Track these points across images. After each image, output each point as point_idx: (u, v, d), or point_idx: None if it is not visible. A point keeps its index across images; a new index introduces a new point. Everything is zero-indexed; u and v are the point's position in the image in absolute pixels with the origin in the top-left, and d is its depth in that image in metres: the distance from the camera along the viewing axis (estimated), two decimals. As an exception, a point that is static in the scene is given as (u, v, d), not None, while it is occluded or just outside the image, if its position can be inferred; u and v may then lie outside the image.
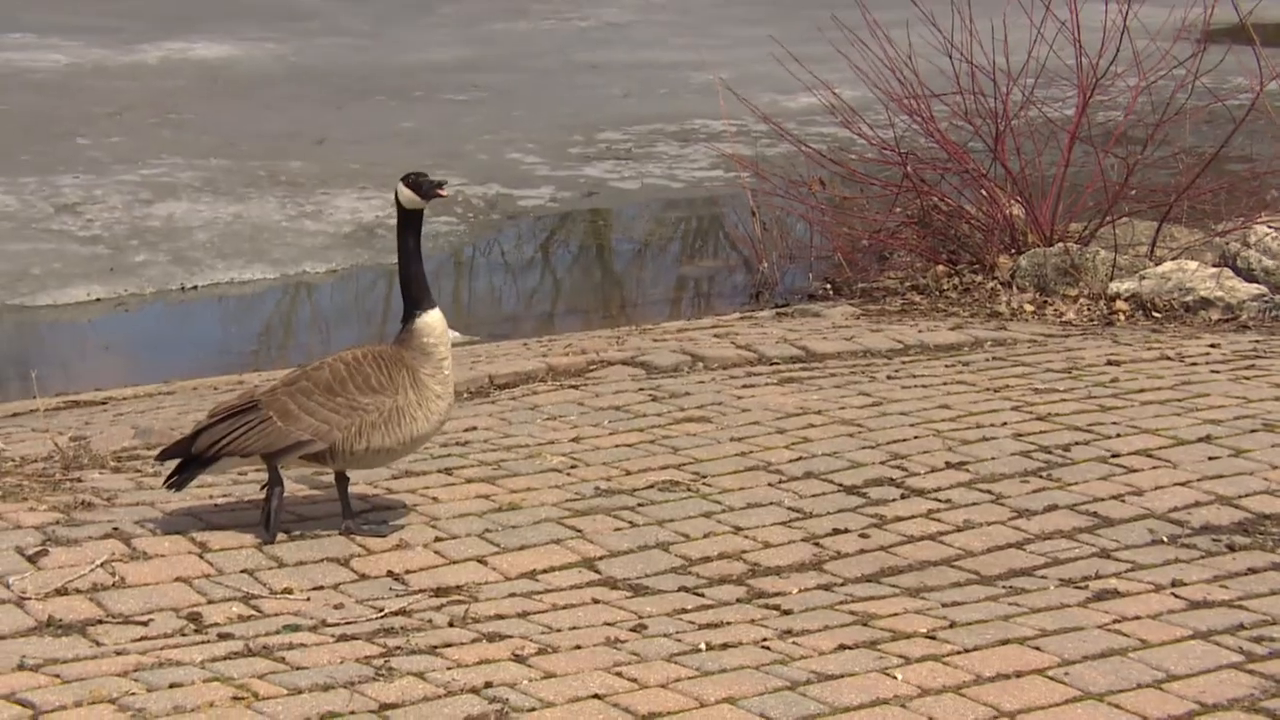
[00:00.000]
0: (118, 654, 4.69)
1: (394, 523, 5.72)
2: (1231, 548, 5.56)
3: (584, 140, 15.29)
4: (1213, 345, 8.07)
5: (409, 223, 5.72)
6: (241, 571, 5.31)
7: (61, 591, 5.10)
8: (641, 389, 7.42)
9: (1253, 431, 6.63)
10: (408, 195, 5.64)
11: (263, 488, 5.65)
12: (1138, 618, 5.01)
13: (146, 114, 15.77)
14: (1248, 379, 7.43)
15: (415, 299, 5.61)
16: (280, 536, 5.57)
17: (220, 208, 12.75)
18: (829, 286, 10.27)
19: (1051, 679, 4.61)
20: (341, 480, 5.66)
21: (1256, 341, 8.18)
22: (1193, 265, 9.09)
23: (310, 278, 11.35)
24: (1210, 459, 6.36)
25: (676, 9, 22.49)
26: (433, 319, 5.58)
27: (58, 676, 4.55)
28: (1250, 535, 5.66)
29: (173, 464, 5.66)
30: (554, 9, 22.61)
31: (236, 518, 5.77)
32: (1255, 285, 8.90)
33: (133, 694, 4.42)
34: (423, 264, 5.73)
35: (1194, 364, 7.69)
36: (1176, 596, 5.17)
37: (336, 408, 5.45)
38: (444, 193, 5.76)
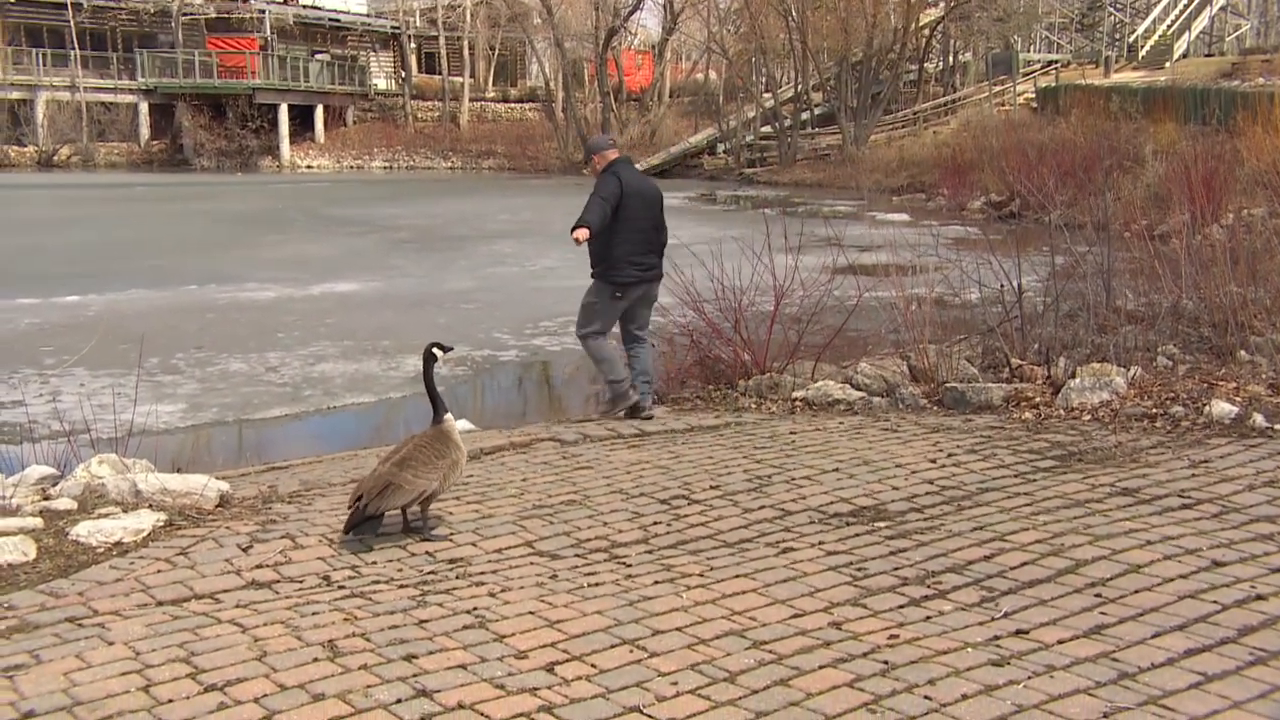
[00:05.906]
0: (285, 598, 4.64)
1: (428, 527, 5.67)
2: (848, 523, 5.65)
3: (532, 326, 15.25)
4: (840, 422, 8.21)
5: (431, 367, 5.74)
6: (353, 554, 5.25)
7: (259, 566, 5.02)
8: (558, 452, 7.41)
9: (858, 465, 6.74)
10: (438, 352, 5.73)
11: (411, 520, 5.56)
12: (801, 560, 5.08)
13: (312, 320, 15.51)
14: (858, 437, 7.55)
15: (441, 407, 5.62)
16: (362, 538, 5.48)
17: (346, 366, 12.55)
18: (658, 396, 10.26)
19: (756, 594, 4.67)
20: (425, 507, 5.56)
21: (861, 419, 8.32)
22: (832, 383, 9.26)
23: (394, 400, 11.21)
24: (838, 479, 6.45)
25: (580, 260, 22.64)
26: (450, 418, 5.61)
27: (256, 610, 4.49)
28: (858, 517, 5.75)
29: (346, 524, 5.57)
30: (517, 261, 22.62)
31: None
32: (860, 391, 9.08)
33: (292, 620, 4.37)
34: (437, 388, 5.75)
35: (831, 432, 7.80)
36: (821, 549, 5.25)
37: (433, 469, 5.39)
38: (453, 351, 5.90)
